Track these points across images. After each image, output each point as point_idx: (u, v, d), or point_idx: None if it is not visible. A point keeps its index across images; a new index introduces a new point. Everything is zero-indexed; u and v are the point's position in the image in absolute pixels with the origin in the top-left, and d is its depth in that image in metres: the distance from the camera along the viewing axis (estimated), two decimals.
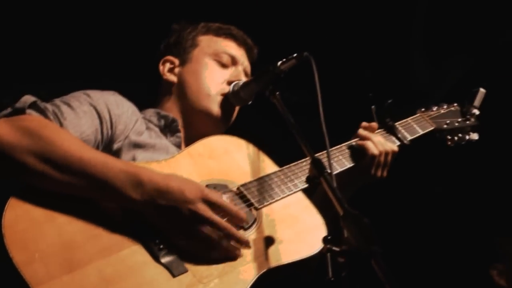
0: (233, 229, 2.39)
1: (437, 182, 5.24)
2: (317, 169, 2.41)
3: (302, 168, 2.79)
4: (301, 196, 2.75)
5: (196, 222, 2.34)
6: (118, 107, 2.75)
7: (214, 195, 2.38)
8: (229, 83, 3.05)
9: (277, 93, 2.72)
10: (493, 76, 4.76)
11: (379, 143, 3.04)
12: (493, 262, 4.62)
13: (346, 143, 3.08)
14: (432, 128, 3.38)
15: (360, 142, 3.06)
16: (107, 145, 2.68)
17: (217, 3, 4.31)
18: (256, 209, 2.60)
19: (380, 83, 4.92)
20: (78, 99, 2.66)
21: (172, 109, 3.08)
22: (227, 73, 3.10)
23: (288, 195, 2.69)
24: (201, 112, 3.03)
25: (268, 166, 2.82)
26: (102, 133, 2.65)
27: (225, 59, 3.12)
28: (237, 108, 3.12)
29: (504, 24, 4.89)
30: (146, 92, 3.20)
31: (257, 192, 2.62)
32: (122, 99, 2.83)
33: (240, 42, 3.22)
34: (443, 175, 5.13)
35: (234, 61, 3.15)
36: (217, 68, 3.10)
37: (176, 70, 3.15)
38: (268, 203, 2.63)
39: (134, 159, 2.68)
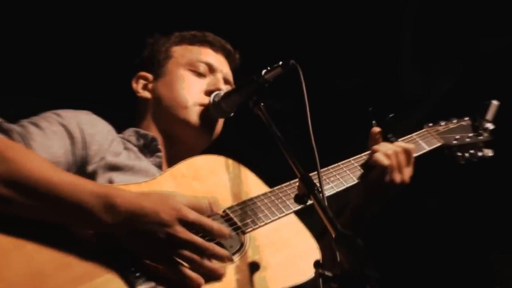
0: (215, 248, 2.26)
1: (430, 196, 5.07)
2: (306, 186, 2.29)
3: (294, 189, 2.57)
4: (293, 219, 2.60)
5: (175, 245, 2.20)
6: (92, 126, 2.62)
7: (191, 214, 2.23)
8: (207, 92, 2.91)
9: (262, 104, 2.59)
10: (486, 82, 4.61)
11: (388, 149, 2.84)
12: (493, 285, 4.47)
13: (354, 158, 2.91)
14: (439, 144, 3.18)
15: (371, 157, 2.86)
16: (81, 167, 2.54)
17: (198, 12, 4.23)
18: (244, 233, 2.46)
19: (369, 91, 4.76)
20: (47, 119, 2.54)
21: (151, 127, 2.94)
22: (205, 83, 2.96)
23: (279, 217, 2.54)
24: (179, 124, 2.88)
25: (258, 187, 2.67)
26: (74, 154, 2.52)
27: (202, 68, 2.98)
28: (220, 120, 2.97)
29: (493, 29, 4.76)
30: (127, 111, 3.08)
31: (244, 215, 2.48)
32: (96, 118, 2.70)
33: (217, 48, 3.08)
34: (437, 188, 4.97)
35: (211, 69, 3.00)
36: (193, 78, 2.96)
37: (150, 86, 3.02)
38: (256, 226, 2.48)
39: (110, 182, 2.54)
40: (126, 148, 2.77)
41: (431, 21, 4.74)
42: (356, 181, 2.83)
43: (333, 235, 2.06)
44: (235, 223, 2.46)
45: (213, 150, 2.86)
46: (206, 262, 2.25)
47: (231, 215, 2.48)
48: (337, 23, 4.74)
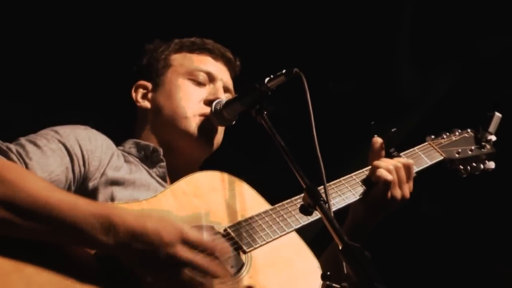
0: (217, 267, 2.23)
1: (431, 201, 5.01)
2: (312, 197, 2.26)
3: (296, 206, 2.58)
4: (295, 237, 2.57)
5: (177, 265, 2.18)
6: (91, 142, 2.60)
7: (193, 235, 2.20)
8: (207, 102, 2.87)
9: (265, 113, 2.56)
10: (484, 85, 4.59)
11: (389, 165, 2.81)
12: None
13: (355, 173, 2.88)
14: (441, 158, 3.14)
15: (374, 173, 2.82)
16: (81, 184, 2.53)
17: (195, 18, 4.19)
18: (245, 252, 2.42)
19: (366, 94, 4.73)
20: (45, 137, 2.51)
21: (151, 138, 2.90)
22: (204, 92, 2.92)
23: (280, 236, 2.51)
24: (179, 135, 2.85)
25: (258, 204, 2.63)
26: (74, 172, 2.50)
27: (201, 77, 2.94)
28: (221, 129, 2.93)
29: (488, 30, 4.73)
30: (125, 122, 3.03)
31: (245, 234, 2.44)
32: (95, 132, 2.68)
33: (217, 56, 3.03)
34: (439, 195, 4.92)
35: (211, 78, 2.96)
36: (192, 88, 2.92)
37: (150, 95, 2.97)
38: (258, 245, 2.44)
39: (112, 197, 2.53)
40: (126, 161, 2.75)
41: (429, 22, 4.69)
42: (358, 197, 2.80)
43: (340, 247, 2.04)
44: (236, 243, 2.43)
45: (212, 162, 2.85)
46: (209, 281, 2.22)
47: (232, 234, 2.45)
48: (331, 24, 4.69)
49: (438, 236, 4.87)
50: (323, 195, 2.27)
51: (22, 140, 2.47)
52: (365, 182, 2.84)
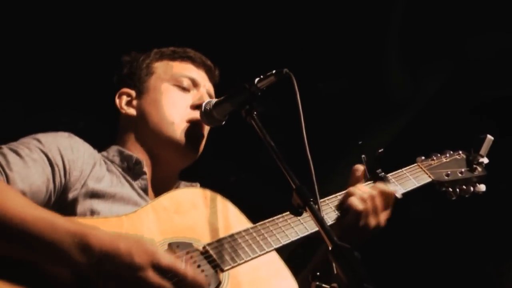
0: None
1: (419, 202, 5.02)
2: (302, 197, 2.24)
3: (278, 225, 2.57)
4: (274, 257, 2.54)
5: None
6: (73, 152, 2.60)
7: (165, 260, 2.18)
8: (193, 107, 2.88)
9: (255, 113, 2.54)
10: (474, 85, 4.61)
11: (364, 193, 2.72)
12: None
13: (330, 197, 2.80)
14: (429, 180, 3.07)
15: (346, 201, 2.74)
16: (61, 194, 2.53)
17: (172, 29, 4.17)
18: (222, 270, 2.39)
19: (356, 95, 4.73)
20: (28, 146, 2.51)
21: (135, 147, 2.89)
22: (189, 97, 2.92)
23: (260, 255, 2.48)
24: (165, 142, 2.84)
25: (241, 222, 2.61)
26: (55, 182, 2.50)
27: (185, 82, 2.94)
28: (205, 132, 2.93)
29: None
30: (108, 127, 3.02)
31: (224, 252, 2.42)
32: (78, 141, 2.68)
33: (199, 64, 3.05)
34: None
35: (195, 84, 2.97)
36: (178, 93, 2.92)
37: (134, 102, 2.96)
38: (236, 264, 2.41)
39: (91, 210, 2.52)
40: (109, 170, 2.73)
41: (419, 21, 4.71)
42: (331, 222, 2.72)
43: (330, 248, 2.05)
44: (214, 260, 2.41)
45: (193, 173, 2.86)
46: None
47: (211, 251, 2.42)
48: (320, 24, 4.71)
49: (427, 237, 4.89)
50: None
51: (4, 148, 2.47)
52: (338, 207, 2.76)
